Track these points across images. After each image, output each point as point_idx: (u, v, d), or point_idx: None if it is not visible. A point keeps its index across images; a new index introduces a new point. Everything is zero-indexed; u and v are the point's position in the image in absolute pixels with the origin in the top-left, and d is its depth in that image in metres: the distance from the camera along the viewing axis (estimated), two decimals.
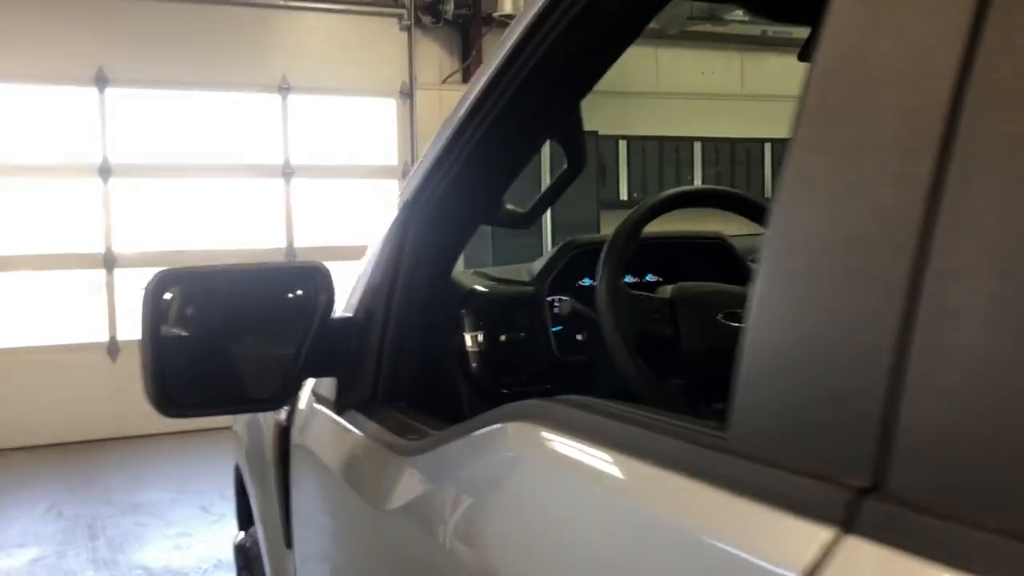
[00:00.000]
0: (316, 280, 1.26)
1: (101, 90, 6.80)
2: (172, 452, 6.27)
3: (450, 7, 7.29)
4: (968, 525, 0.41)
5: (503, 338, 1.45)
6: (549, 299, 1.55)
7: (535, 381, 1.48)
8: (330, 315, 1.30)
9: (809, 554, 0.46)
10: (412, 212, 1.33)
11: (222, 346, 1.25)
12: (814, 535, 0.47)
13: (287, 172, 7.38)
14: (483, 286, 1.52)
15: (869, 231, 0.49)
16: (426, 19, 7.39)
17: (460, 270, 1.55)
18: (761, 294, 0.55)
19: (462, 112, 1.22)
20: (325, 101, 7.45)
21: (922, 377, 0.44)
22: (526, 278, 1.60)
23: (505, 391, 1.41)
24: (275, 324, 1.29)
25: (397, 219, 1.35)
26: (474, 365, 1.43)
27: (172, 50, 6.88)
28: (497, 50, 1.17)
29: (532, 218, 1.35)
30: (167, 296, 1.21)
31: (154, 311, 1.17)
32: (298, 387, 1.32)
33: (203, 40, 7.01)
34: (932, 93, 0.46)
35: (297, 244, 7.42)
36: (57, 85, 6.73)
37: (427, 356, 1.35)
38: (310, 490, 1.42)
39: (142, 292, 1.19)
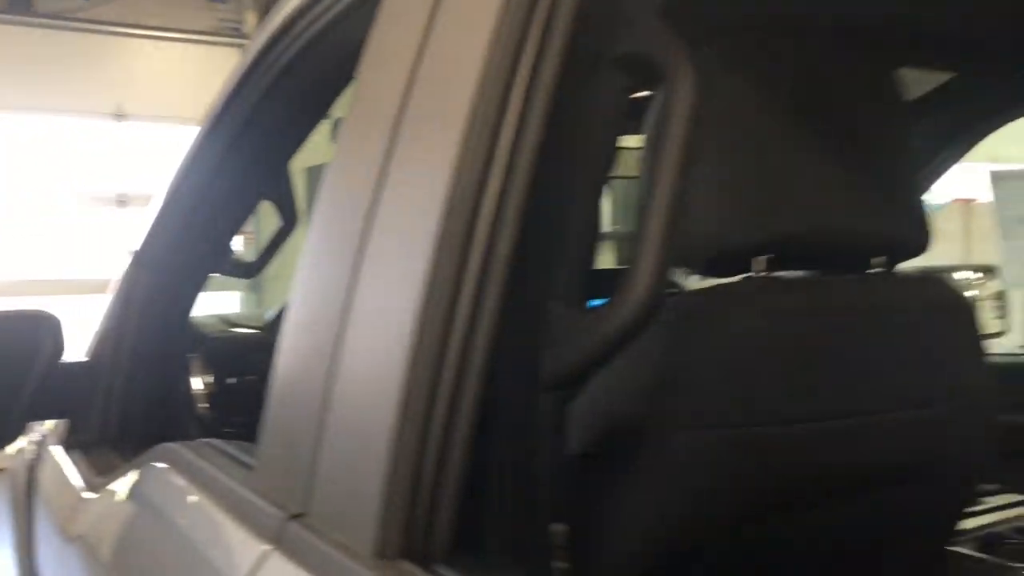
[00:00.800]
0: (42, 326, 1.34)
1: None
2: None
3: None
4: (336, 543, 0.56)
5: (232, 380, 1.55)
6: None
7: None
8: (59, 359, 1.37)
9: (249, 560, 0.60)
10: (142, 261, 1.42)
11: None
12: (254, 547, 0.61)
13: (121, 201, 7.24)
14: (216, 331, 1.63)
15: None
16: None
17: (205, 314, 1.65)
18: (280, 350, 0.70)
19: (180, 170, 1.34)
20: (163, 129, 7.37)
21: (333, 426, 0.59)
22: (261, 323, 1.71)
23: (229, 431, 1.52)
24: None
25: (128, 268, 1.44)
26: (203, 406, 1.53)
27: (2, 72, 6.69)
28: (208, 113, 1.29)
29: (256, 269, 1.47)
30: None
31: None
32: (20, 429, 1.39)
33: (34, 63, 6.83)
34: None
35: None
36: None
37: (160, 398, 1.45)
38: (42, 528, 1.49)
39: None
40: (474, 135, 0.56)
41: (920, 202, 0.87)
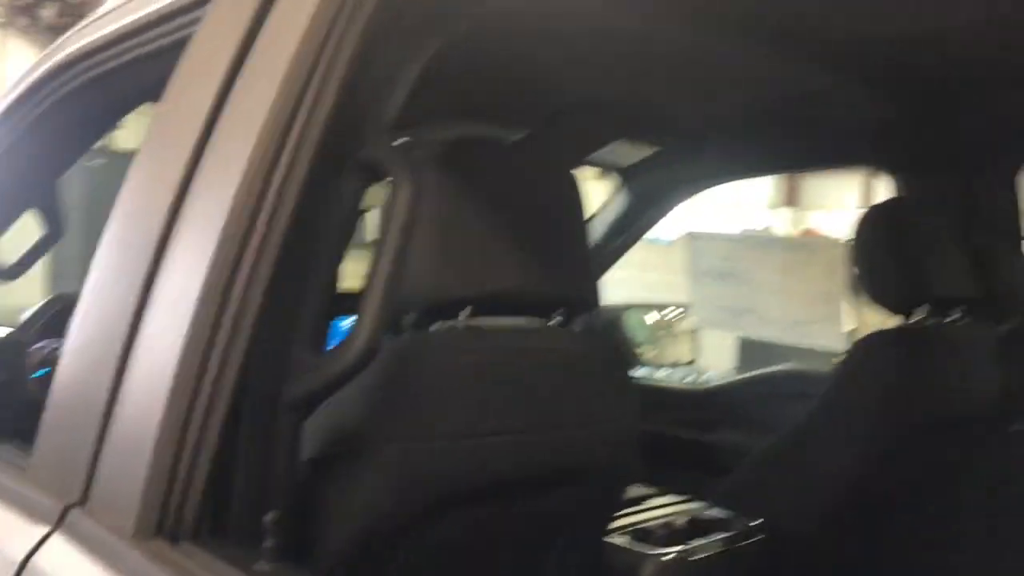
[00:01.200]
0: None
1: None
2: None
3: (49, 12, 6.96)
4: (108, 526, 0.71)
5: None
6: (39, 345, 1.71)
7: (17, 421, 1.64)
8: None
9: (29, 543, 0.74)
10: None
11: None
12: (34, 531, 0.75)
13: None
14: None
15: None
16: (21, 21, 7.01)
17: None
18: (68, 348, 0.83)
19: None
20: None
21: (116, 423, 0.74)
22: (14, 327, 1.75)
23: None
24: None
25: None
26: None
27: None
28: None
29: (17, 272, 1.53)
30: None
31: None
32: None
33: None
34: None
35: None
36: None
37: None
38: None
39: None
40: (234, 219, 0.73)
41: (591, 269, 1.13)
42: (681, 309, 2.73)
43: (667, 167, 2.13)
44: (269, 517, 0.70)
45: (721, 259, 2.38)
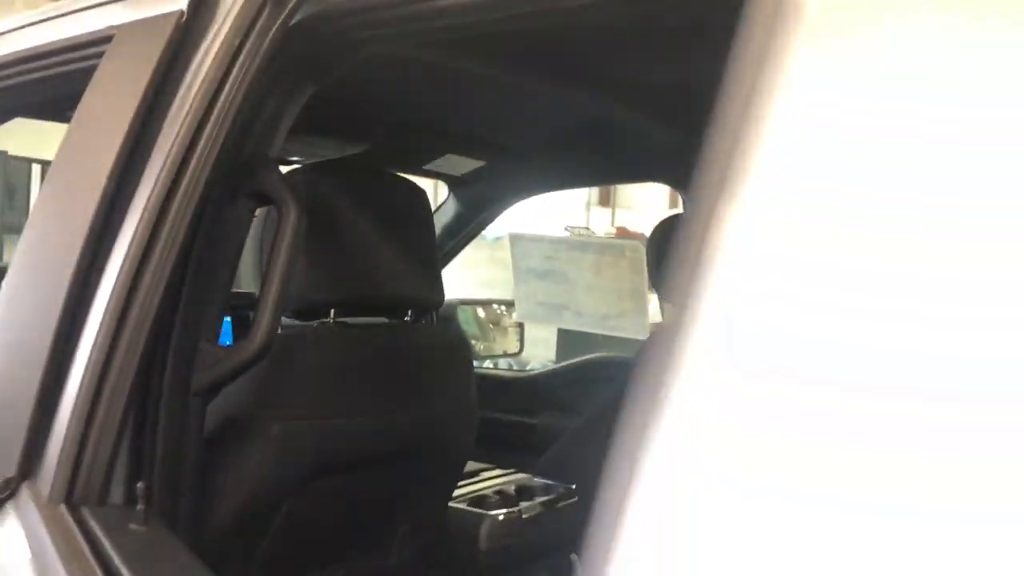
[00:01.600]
0: None
1: None
2: None
3: None
4: (34, 493, 0.85)
5: None
6: None
7: None
8: None
9: None
10: None
11: None
12: None
13: None
14: None
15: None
16: None
17: None
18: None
19: None
20: None
21: (43, 406, 0.87)
22: None
23: None
24: None
25: None
26: None
27: None
28: None
29: None
30: None
31: None
32: None
33: None
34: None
35: None
36: None
37: None
38: None
39: None
40: (141, 231, 0.88)
41: (437, 273, 1.34)
42: (507, 305, 2.97)
43: (493, 178, 2.37)
44: (140, 485, 0.84)
45: (542, 258, 2.63)
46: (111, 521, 0.83)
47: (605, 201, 10.67)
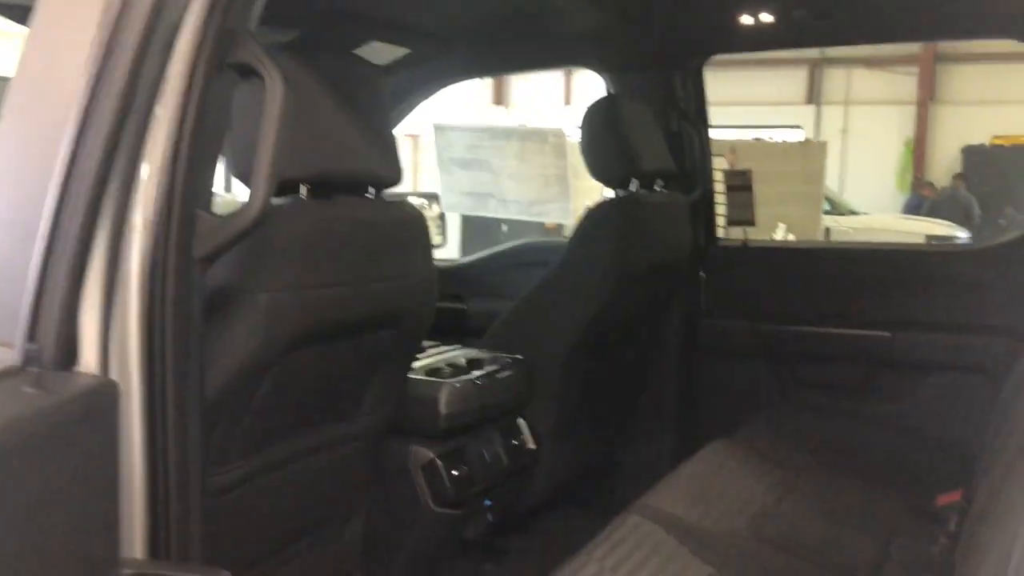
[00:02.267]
0: None
1: None
2: None
3: None
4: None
5: None
6: None
7: None
8: None
9: None
10: None
11: None
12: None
13: None
14: None
15: None
16: None
17: None
18: None
19: None
20: None
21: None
22: None
23: None
24: None
25: None
26: None
27: None
28: None
29: None
30: None
31: None
32: None
33: None
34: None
35: None
36: None
37: None
38: None
39: None
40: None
41: (396, 151, 1.38)
42: (428, 200, 3.01)
43: (416, 66, 2.38)
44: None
45: (465, 148, 2.67)
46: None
47: (500, 100, 10.66)
